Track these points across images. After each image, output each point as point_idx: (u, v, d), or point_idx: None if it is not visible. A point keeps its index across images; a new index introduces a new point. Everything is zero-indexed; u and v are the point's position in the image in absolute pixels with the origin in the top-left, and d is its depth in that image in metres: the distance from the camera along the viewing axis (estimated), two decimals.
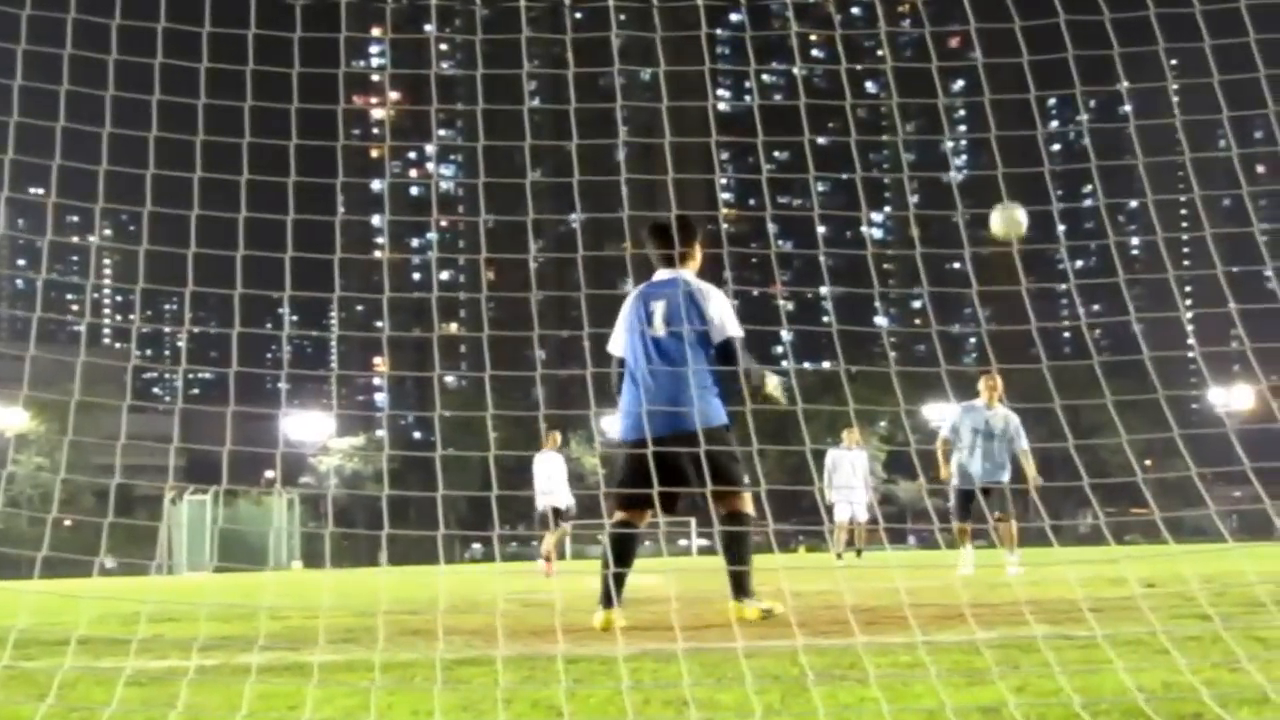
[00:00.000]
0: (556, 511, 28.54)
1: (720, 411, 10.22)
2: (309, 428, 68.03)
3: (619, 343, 10.29)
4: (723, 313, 10.11)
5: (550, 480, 28.46)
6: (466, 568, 36.71)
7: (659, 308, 10.11)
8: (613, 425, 10.51)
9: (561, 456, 29.59)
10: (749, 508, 10.35)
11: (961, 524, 19.18)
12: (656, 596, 13.60)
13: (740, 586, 10.01)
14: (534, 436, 29.91)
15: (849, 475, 29.45)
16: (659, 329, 10.06)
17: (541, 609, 12.25)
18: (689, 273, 10.40)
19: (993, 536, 19.51)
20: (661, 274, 10.37)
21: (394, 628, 10.12)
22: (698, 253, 10.56)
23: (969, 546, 19.18)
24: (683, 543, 78.42)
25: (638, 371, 10.05)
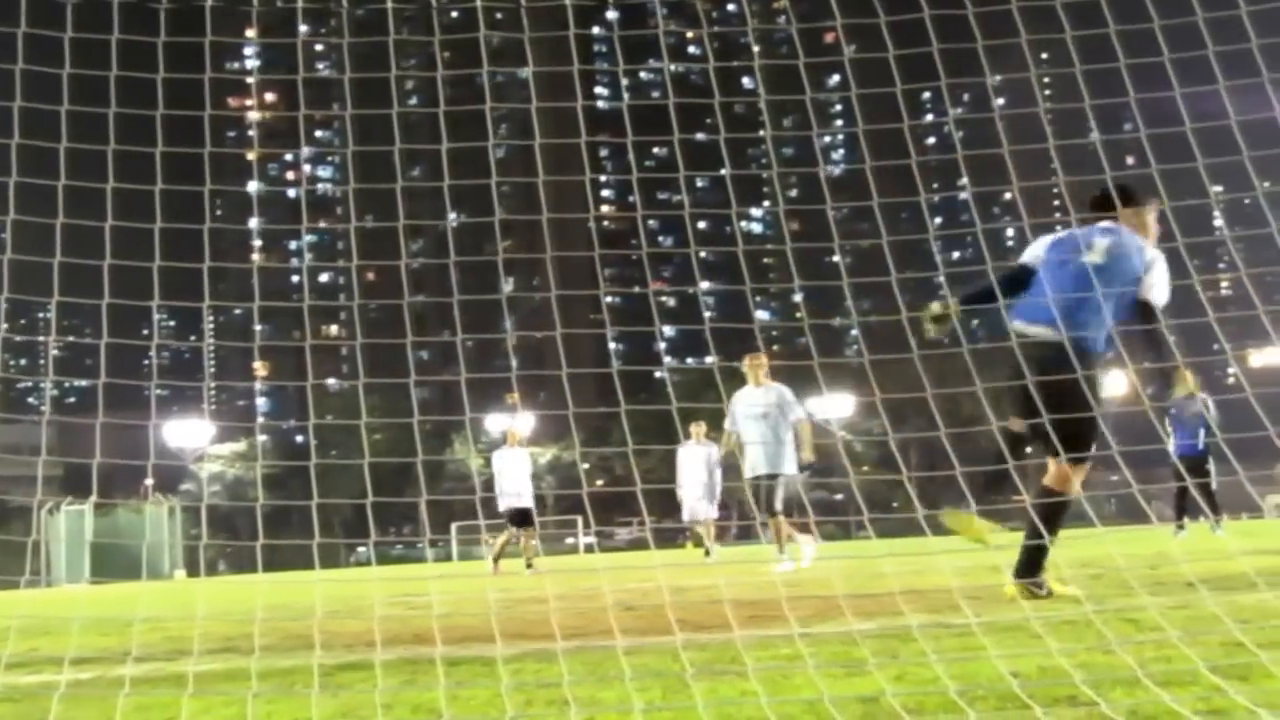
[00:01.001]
0: (519, 512, 28.05)
1: (1101, 347, 9.53)
2: (187, 435, 67.38)
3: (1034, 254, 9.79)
4: (1161, 278, 9.58)
5: (515, 480, 28.06)
6: (350, 572, 36.43)
7: (1105, 243, 9.62)
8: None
9: (526, 453, 28.89)
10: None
11: (770, 517, 18.68)
12: (537, 596, 13.59)
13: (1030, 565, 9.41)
14: (424, 438, 29.45)
15: (696, 472, 28.86)
16: (1098, 256, 9.57)
17: (423, 612, 12.21)
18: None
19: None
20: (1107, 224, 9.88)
21: (274, 635, 10.05)
22: (1146, 218, 10.01)
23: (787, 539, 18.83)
24: (569, 541, 78.33)
25: (1051, 285, 9.40)
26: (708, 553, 28.37)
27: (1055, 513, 9.33)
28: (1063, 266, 9.39)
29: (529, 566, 27.39)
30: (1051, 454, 9.09)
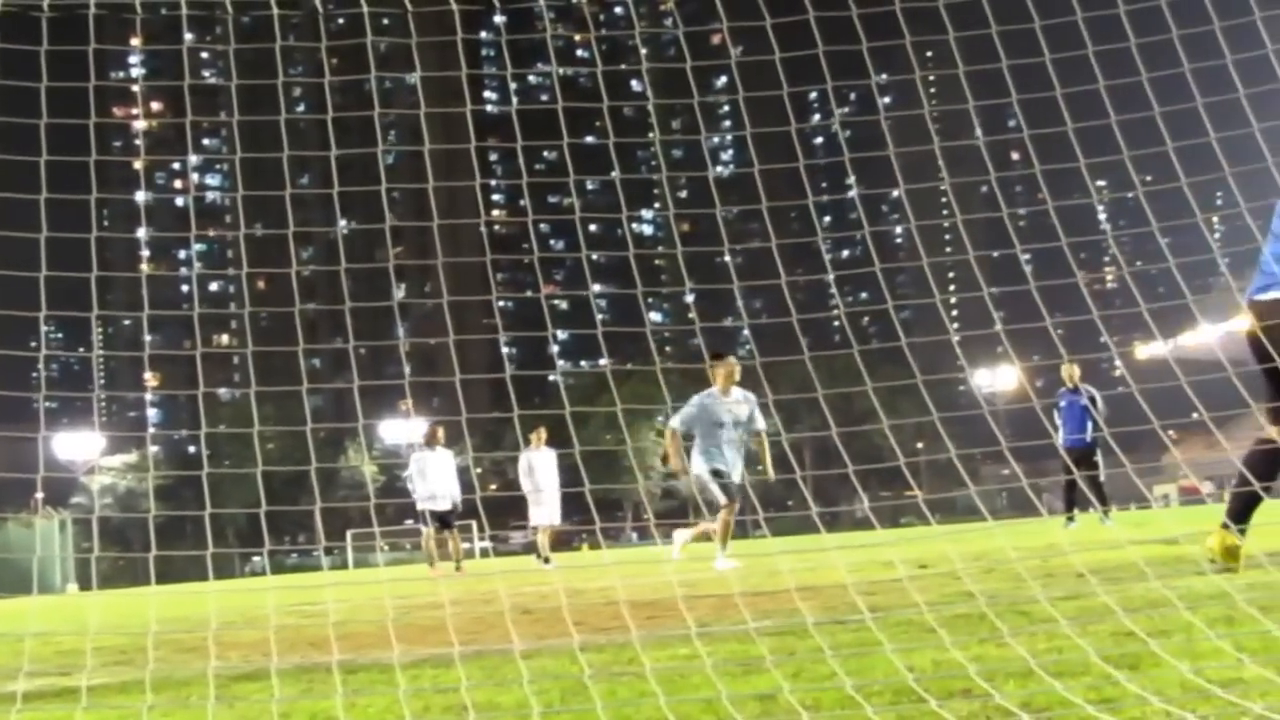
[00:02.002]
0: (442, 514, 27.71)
1: None
2: (77, 447, 66.63)
3: None
4: None
5: (439, 481, 27.62)
6: (245, 581, 36.15)
7: None
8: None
9: (450, 453, 28.42)
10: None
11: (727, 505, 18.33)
12: (434, 602, 13.54)
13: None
14: (318, 445, 29.06)
15: (542, 478, 28.68)
16: None
17: (319, 620, 12.14)
18: None
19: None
20: None
21: (168, 647, 9.96)
22: None
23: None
24: (464, 545, 78.14)
25: None
26: (546, 560, 28.23)
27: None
28: None
29: (458, 569, 27.26)
30: None
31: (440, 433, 28.56)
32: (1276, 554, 10.19)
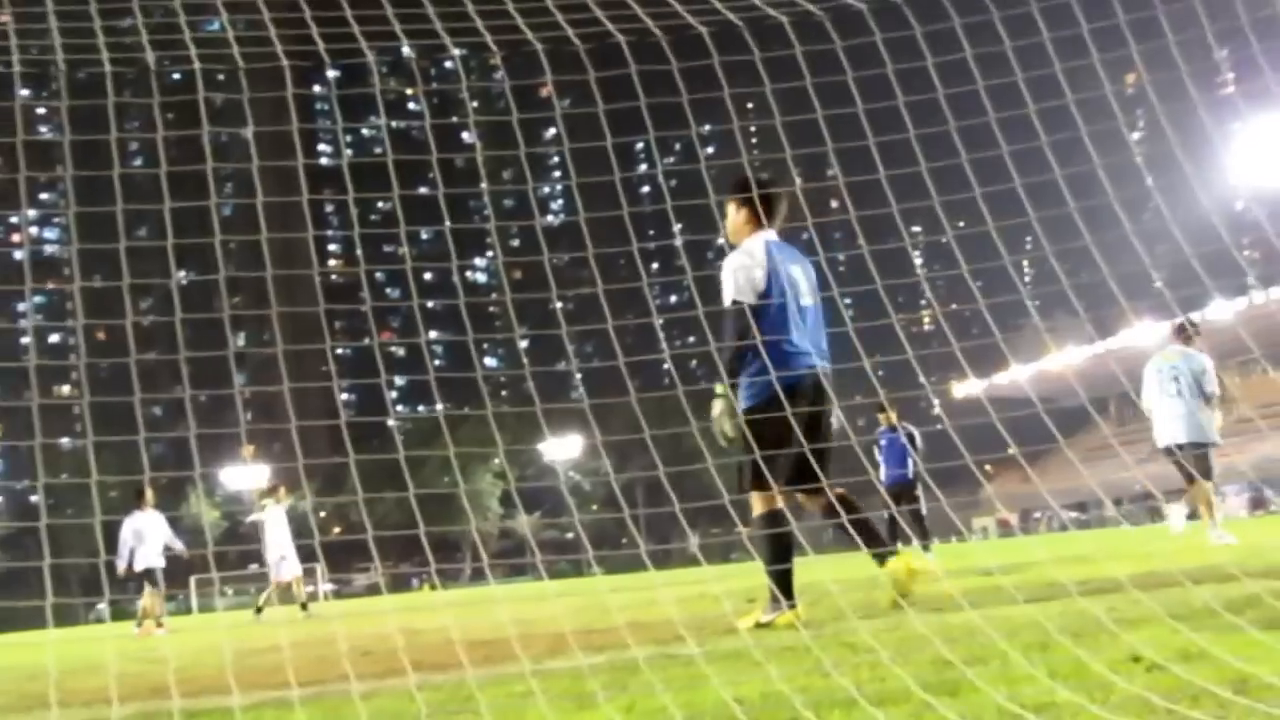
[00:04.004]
0: (149, 571, 27.46)
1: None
2: None
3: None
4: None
5: (148, 539, 27.34)
6: (87, 629, 35.40)
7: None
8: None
9: (158, 514, 28.06)
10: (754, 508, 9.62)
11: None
12: (274, 645, 13.36)
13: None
14: (159, 492, 28.72)
15: (284, 531, 29.05)
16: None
17: (160, 665, 11.92)
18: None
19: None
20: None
21: (9, 695, 9.74)
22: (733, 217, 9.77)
23: None
24: (308, 589, 77.29)
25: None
26: (304, 607, 28.40)
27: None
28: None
29: (304, 610, 27.32)
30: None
31: (147, 494, 27.99)
32: (1085, 582, 10.39)
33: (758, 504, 9.50)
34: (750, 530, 9.50)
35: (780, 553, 9.49)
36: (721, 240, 9.60)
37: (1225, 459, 18.03)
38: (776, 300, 9.27)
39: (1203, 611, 6.69)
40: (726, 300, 9.34)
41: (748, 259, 9.37)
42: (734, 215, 9.60)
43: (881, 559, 9.64)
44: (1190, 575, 9.34)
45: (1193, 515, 20.61)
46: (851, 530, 9.40)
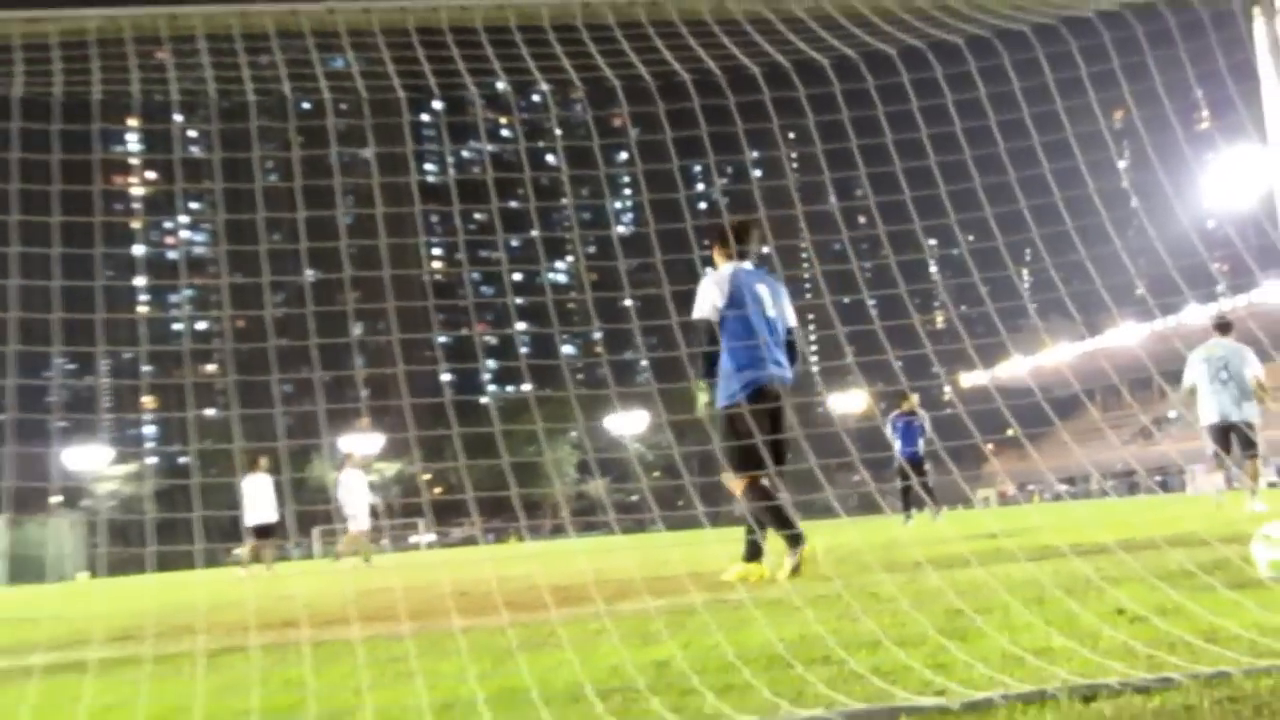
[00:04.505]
0: (266, 526, 27.66)
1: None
2: (86, 459, 65.66)
3: None
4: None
5: (257, 500, 27.63)
6: (227, 571, 35.68)
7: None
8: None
9: (270, 478, 28.33)
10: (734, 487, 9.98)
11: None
12: (386, 587, 13.41)
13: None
14: (290, 461, 28.94)
15: (364, 492, 29.16)
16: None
17: (290, 602, 12.00)
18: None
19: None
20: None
21: (164, 625, 9.81)
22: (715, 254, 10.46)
23: None
24: (412, 539, 77.45)
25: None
26: (367, 559, 28.40)
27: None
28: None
29: (367, 561, 27.36)
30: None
31: (260, 460, 28.17)
32: (1075, 545, 10.29)
33: (736, 486, 9.67)
34: (748, 504, 9.65)
35: (772, 518, 9.72)
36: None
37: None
38: (736, 312, 9.82)
39: (1179, 572, 6.62)
40: (693, 315, 10.00)
41: (712, 284, 10.03)
42: (717, 251, 10.40)
43: (795, 540, 9.58)
44: (1168, 541, 9.26)
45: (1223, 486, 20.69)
46: (774, 512, 9.65)
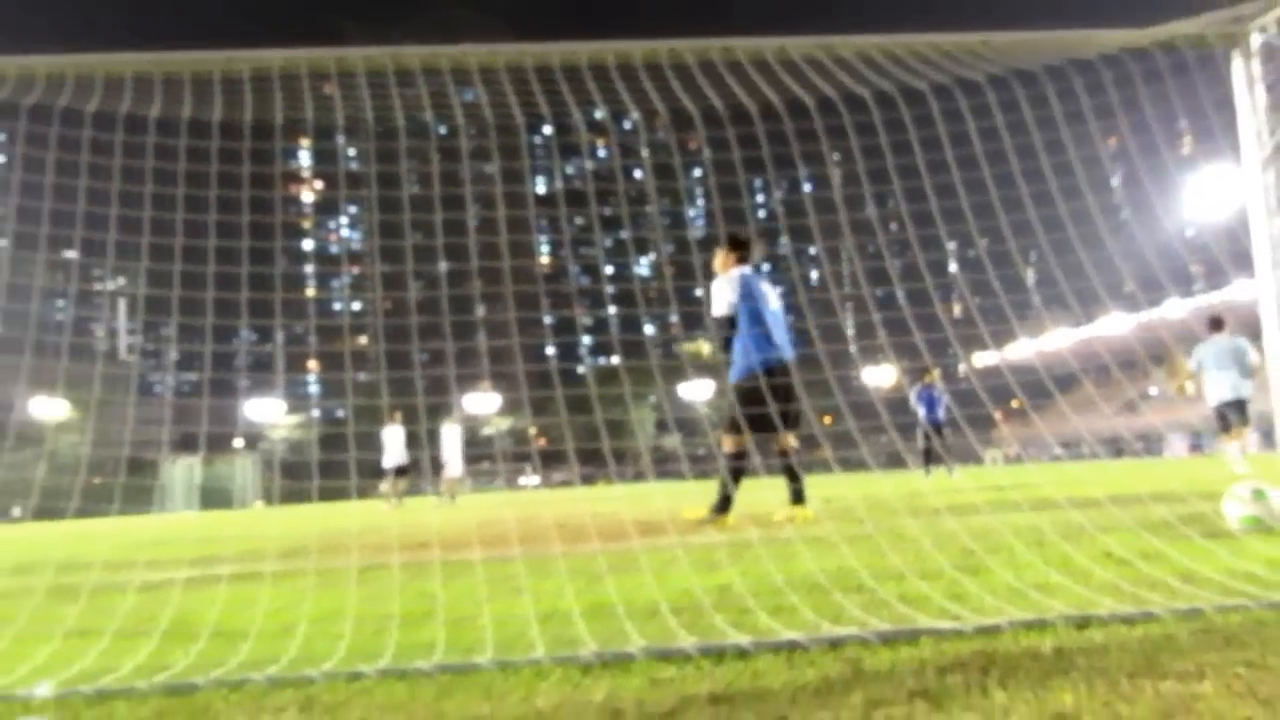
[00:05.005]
0: (401, 468, 28.10)
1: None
2: (265, 411, 66.71)
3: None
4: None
5: (388, 445, 27.96)
6: (372, 502, 36.10)
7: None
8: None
9: (402, 428, 28.56)
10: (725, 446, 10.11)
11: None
12: (501, 519, 13.49)
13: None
14: (427, 416, 29.29)
15: (457, 443, 29.23)
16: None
17: (424, 530, 12.09)
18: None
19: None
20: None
21: (324, 546, 9.93)
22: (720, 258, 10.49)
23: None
24: (521, 481, 78.05)
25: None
26: (453, 497, 28.59)
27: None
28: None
29: (453, 499, 27.66)
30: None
31: (395, 413, 28.39)
32: (1071, 498, 10.14)
33: (728, 444, 9.73)
34: (729, 463, 9.94)
35: (734, 478, 9.83)
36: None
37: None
38: (749, 306, 9.95)
39: (1160, 523, 6.51)
40: (714, 313, 10.08)
41: (725, 285, 10.08)
42: (723, 258, 10.34)
43: (799, 498, 9.83)
44: (1151, 496, 9.11)
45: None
46: (793, 469, 9.87)
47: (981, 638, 3.35)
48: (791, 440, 9.89)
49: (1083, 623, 3.47)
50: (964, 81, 6.73)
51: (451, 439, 29.07)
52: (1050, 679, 2.76)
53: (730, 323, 10.05)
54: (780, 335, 10.11)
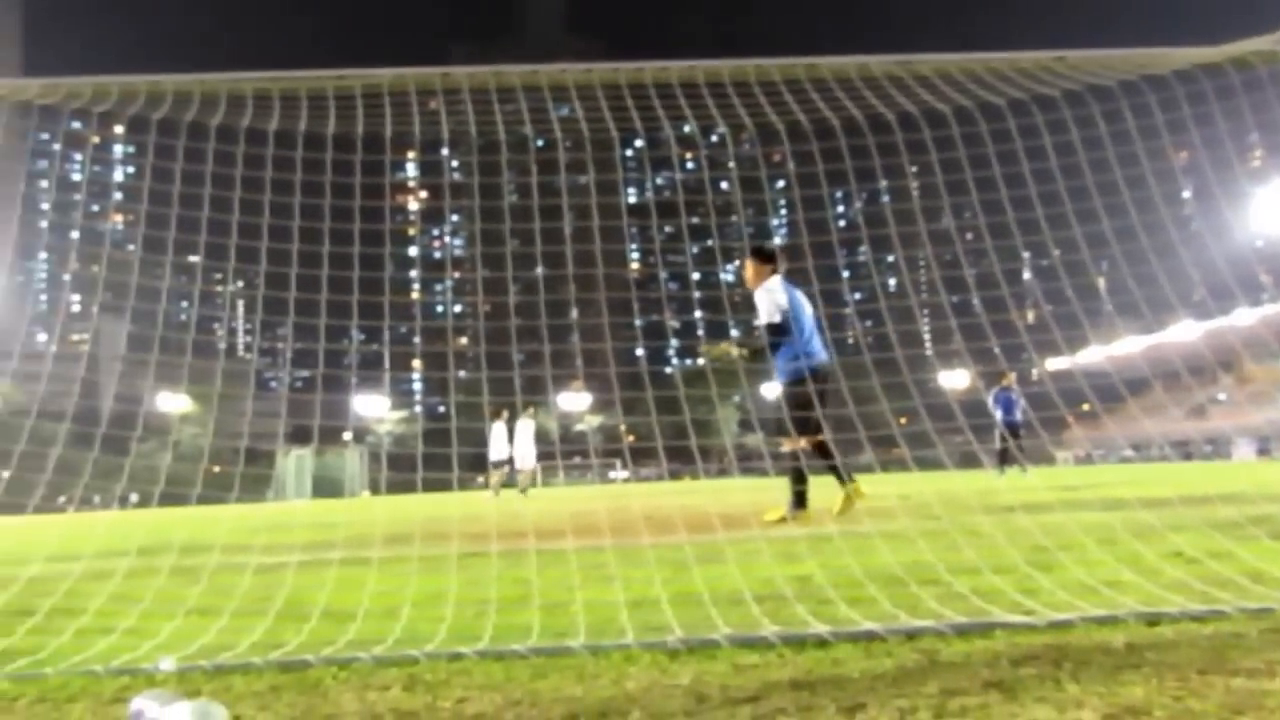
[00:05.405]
0: (502, 462, 28.46)
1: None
2: (371, 406, 67.71)
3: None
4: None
5: (504, 440, 28.45)
6: (473, 493, 36.41)
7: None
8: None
9: (505, 425, 28.99)
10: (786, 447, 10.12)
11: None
12: (592, 510, 13.54)
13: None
14: (516, 414, 29.55)
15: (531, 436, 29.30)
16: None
17: (520, 520, 12.18)
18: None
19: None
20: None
21: (426, 533, 10.04)
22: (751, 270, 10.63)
23: None
24: (612, 475, 78.17)
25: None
26: (524, 490, 28.61)
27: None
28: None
29: (523, 493, 27.79)
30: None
31: (502, 411, 28.78)
32: (1142, 498, 9.94)
33: (789, 444, 9.89)
34: (804, 460, 9.81)
35: (798, 476, 9.74)
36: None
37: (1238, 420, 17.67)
38: (794, 312, 10.08)
39: (1228, 523, 6.36)
40: (764, 318, 10.11)
41: (770, 293, 10.19)
42: (754, 268, 10.55)
43: (801, 501, 9.70)
44: (1220, 497, 8.91)
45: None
46: (834, 462, 9.73)
47: (1054, 631, 3.31)
48: (805, 443, 9.90)
49: (1153, 619, 3.41)
50: (1041, 98, 6.64)
51: (525, 434, 29.30)
52: (1121, 673, 2.71)
53: (781, 329, 10.03)
54: (819, 341, 10.19)
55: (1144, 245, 6.87)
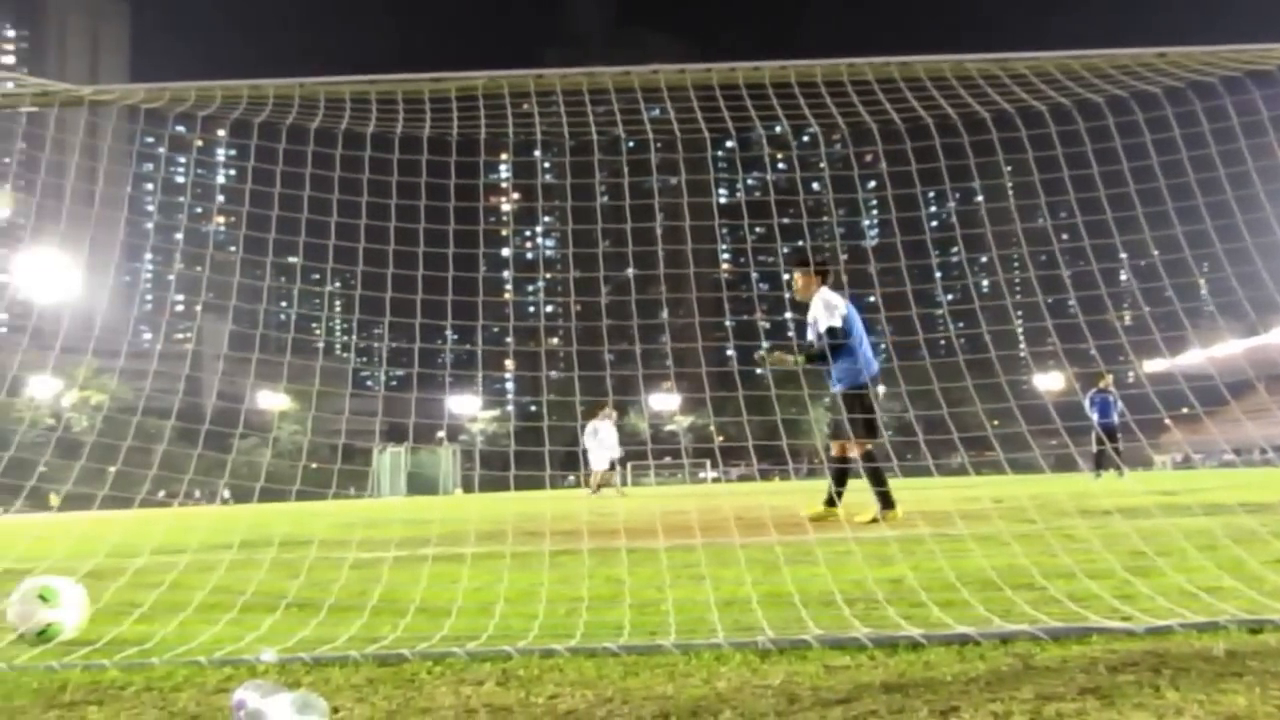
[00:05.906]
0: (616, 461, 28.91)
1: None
2: (465, 405, 68.46)
3: None
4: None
5: (606, 440, 28.74)
6: (564, 492, 36.63)
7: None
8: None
9: (613, 425, 29.47)
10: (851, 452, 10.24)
11: None
12: (683, 509, 13.55)
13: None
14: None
15: (607, 437, 29.25)
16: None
17: (611, 518, 12.23)
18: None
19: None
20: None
21: (518, 531, 10.12)
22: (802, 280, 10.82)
23: None
24: (702, 475, 78.08)
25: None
26: (597, 490, 28.63)
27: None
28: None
29: (595, 492, 27.97)
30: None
31: (598, 413, 29.21)
32: (1243, 503, 9.67)
33: (854, 449, 10.11)
34: (873, 463, 9.90)
35: (876, 479, 9.78)
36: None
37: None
38: (854, 320, 10.30)
39: None
40: (823, 326, 10.29)
41: (827, 301, 10.38)
42: (803, 279, 10.86)
43: (887, 501, 9.66)
44: None
45: None
46: (876, 472, 9.80)
47: (1152, 638, 3.24)
48: (853, 450, 9.89)
49: (1256, 626, 3.32)
50: (1141, 95, 6.50)
51: (610, 434, 29.47)
52: (1222, 681, 2.65)
53: (842, 334, 10.10)
54: (869, 350, 10.34)
55: (1247, 244, 6.70)
